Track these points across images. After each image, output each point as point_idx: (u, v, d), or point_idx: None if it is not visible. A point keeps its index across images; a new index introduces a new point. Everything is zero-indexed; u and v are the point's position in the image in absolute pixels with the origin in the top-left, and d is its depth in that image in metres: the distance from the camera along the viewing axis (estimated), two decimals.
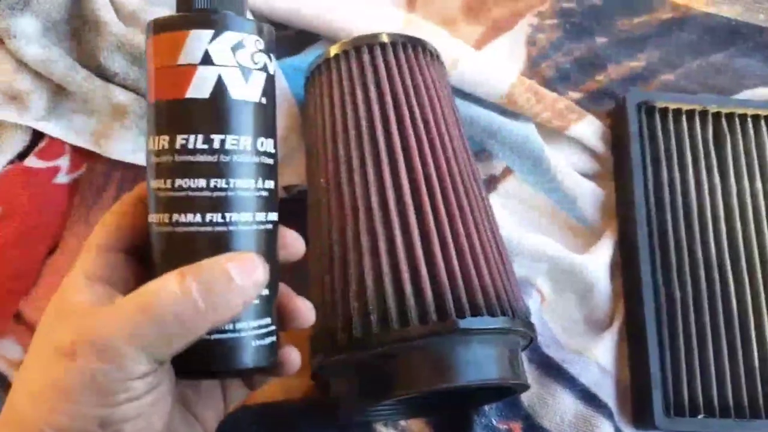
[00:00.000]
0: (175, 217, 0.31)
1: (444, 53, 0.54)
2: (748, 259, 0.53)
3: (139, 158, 0.52)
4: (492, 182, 0.57)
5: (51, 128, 0.52)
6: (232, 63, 0.31)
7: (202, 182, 0.31)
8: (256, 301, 0.32)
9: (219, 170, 0.31)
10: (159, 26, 0.31)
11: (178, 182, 0.31)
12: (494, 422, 0.49)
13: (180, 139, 0.30)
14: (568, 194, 0.56)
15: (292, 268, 0.51)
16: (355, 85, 0.46)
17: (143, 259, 0.33)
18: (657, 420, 0.48)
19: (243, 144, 0.31)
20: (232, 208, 0.31)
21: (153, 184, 0.31)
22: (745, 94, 0.61)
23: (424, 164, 0.43)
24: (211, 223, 0.31)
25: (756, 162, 0.56)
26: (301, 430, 0.48)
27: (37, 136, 0.53)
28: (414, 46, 0.48)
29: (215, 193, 0.31)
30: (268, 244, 0.33)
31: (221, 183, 0.31)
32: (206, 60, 0.30)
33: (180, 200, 0.31)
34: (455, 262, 0.40)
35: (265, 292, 0.33)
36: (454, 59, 0.56)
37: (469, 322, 0.38)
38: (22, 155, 0.53)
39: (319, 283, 0.43)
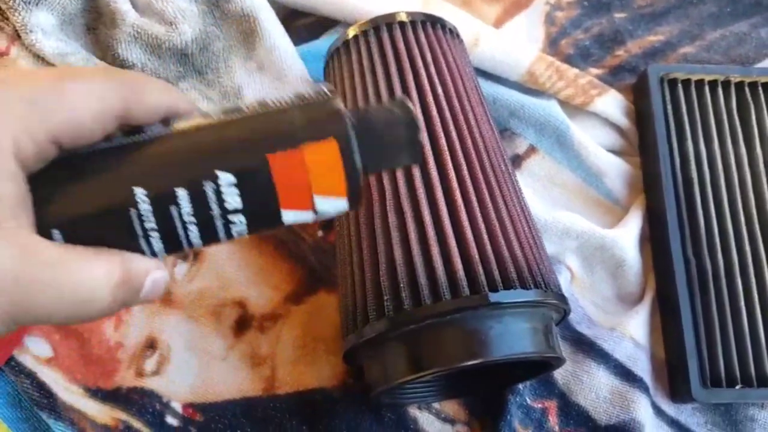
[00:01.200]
0: None
1: (463, 33, 0.54)
2: None
3: None
4: (516, 161, 0.56)
5: None
6: None
7: None
8: None
9: None
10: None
11: None
12: (529, 401, 0.48)
13: None
14: (593, 170, 0.56)
15: (318, 254, 0.51)
16: (375, 64, 0.45)
17: None
18: (694, 392, 0.47)
19: None
20: None
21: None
22: None
23: (448, 139, 0.42)
24: None
25: None
26: (336, 417, 0.47)
27: None
28: (433, 23, 0.48)
29: None
30: None
31: None
32: None
33: None
34: (485, 235, 0.40)
35: None
36: (474, 38, 0.55)
37: (501, 296, 0.37)
38: None
39: (347, 264, 0.43)
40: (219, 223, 0.27)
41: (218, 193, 0.26)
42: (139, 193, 0.25)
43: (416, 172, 0.41)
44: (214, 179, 0.26)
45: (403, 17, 0.47)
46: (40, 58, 0.51)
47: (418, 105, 0.43)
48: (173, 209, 0.26)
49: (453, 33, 0.49)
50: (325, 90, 0.28)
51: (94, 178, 0.25)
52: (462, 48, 0.50)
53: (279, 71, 0.52)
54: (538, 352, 0.39)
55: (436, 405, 0.48)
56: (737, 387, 0.48)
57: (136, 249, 0.26)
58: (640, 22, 0.62)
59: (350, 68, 0.47)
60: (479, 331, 0.38)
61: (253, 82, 0.53)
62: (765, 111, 0.55)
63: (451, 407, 0.48)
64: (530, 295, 0.38)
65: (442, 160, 0.41)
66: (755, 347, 0.49)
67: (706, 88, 0.56)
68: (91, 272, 0.25)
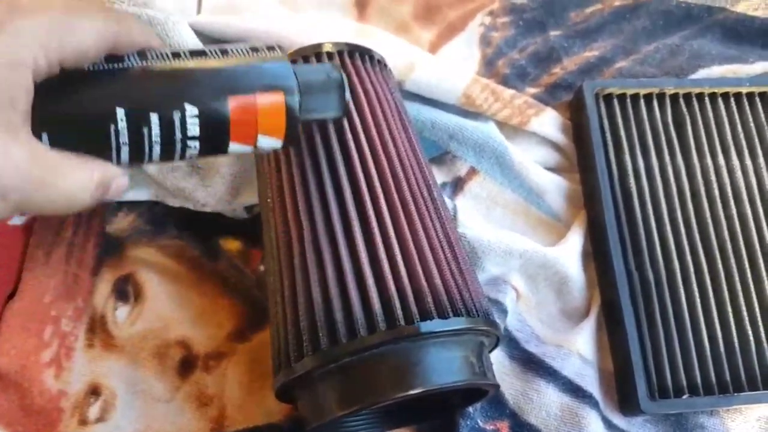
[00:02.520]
0: None
1: (398, 59, 0.54)
2: (717, 235, 0.53)
3: None
4: (458, 184, 0.56)
5: None
6: None
7: None
8: None
9: None
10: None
11: None
12: (480, 424, 0.48)
13: None
14: (534, 189, 0.56)
15: (262, 289, 0.51)
16: None
17: None
18: (642, 404, 0.47)
19: None
20: None
21: None
22: (701, 74, 0.61)
23: (365, 172, 0.42)
24: None
25: (717, 139, 0.56)
26: None
27: None
28: (360, 54, 0.48)
29: None
30: None
31: None
32: None
33: None
34: (402, 269, 0.39)
35: None
36: (409, 65, 0.55)
37: (420, 327, 0.37)
38: None
39: (273, 304, 0.43)
40: (178, 146, 0.33)
41: (183, 121, 0.32)
42: (120, 112, 0.31)
43: (333, 208, 0.41)
44: (182, 110, 0.32)
45: (329, 48, 0.47)
46: None
47: (334, 138, 0.43)
48: (144, 129, 0.31)
49: (375, 60, 0.49)
50: (275, 47, 0.35)
51: (84, 95, 0.31)
52: (386, 75, 0.50)
53: None
54: (464, 380, 0.39)
55: None
56: (684, 396, 0.48)
57: (108, 158, 0.32)
58: (575, 39, 0.63)
59: None
60: (402, 364, 0.37)
61: None
62: (700, 122, 0.56)
63: None
64: (450, 324, 0.38)
65: (359, 194, 0.41)
66: (700, 356, 0.49)
67: (642, 102, 0.57)
68: (80, 176, 0.30)
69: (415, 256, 0.40)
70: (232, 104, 0.33)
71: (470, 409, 0.48)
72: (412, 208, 0.42)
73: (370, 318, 0.38)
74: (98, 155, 0.31)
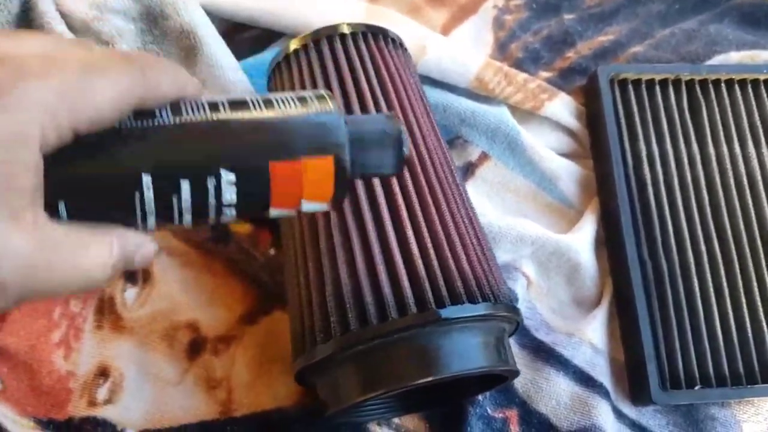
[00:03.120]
0: None
1: (410, 41, 0.53)
2: (732, 224, 0.52)
3: None
4: (470, 168, 0.56)
5: None
6: None
7: None
8: None
9: None
10: None
11: None
12: (489, 411, 0.48)
13: None
14: (546, 175, 0.55)
15: (271, 272, 0.50)
16: (316, 78, 0.45)
17: None
18: (654, 395, 0.47)
19: None
20: None
21: None
22: (718, 59, 0.60)
23: None
24: None
25: (732, 126, 0.55)
26: None
27: None
28: (375, 34, 0.47)
29: None
30: None
31: None
32: None
33: None
34: (431, 251, 0.39)
35: None
36: (421, 47, 0.55)
37: (449, 311, 0.37)
38: None
39: (294, 285, 0.42)
40: (212, 213, 0.29)
41: (218, 188, 0.28)
42: (146, 179, 0.27)
43: (360, 189, 0.40)
44: (218, 176, 0.28)
45: (344, 29, 0.46)
46: None
47: None
48: (174, 198, 0.28)
49: (396, 43, 0.49)
50: (325, 96, 0.30)
51: (105, 159, 0.27)
52: (406, 58, 0.50)
53: (222, 87, 0.51)
54: (490, 366, 0.38)
55: (395, 420, 0.48)
56: (696, 387, 0.48)
57: (131, 225, 0.28)
58: (589, 22, 0.62)
59: (291, 82, 0.46)
60: (429, 348, 0.37)
61: None
62: (716, 109, 0.56)
63: (411, 421, 0.48)
64: (479, 309, 0.38)
65: None
66: (713, 347, 0.49)
67: (657, 88, 0.56)
68: (97, 252, 0.27)
69: (444, 240, 0.39)
70: (275, 170, 0.29)
71: (480, 396, 0.48)
72: (439, 191, 0.41)
73: (400, 300, 0.37)
74: (122, 222, 0.28)
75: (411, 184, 0.41)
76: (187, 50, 0.51)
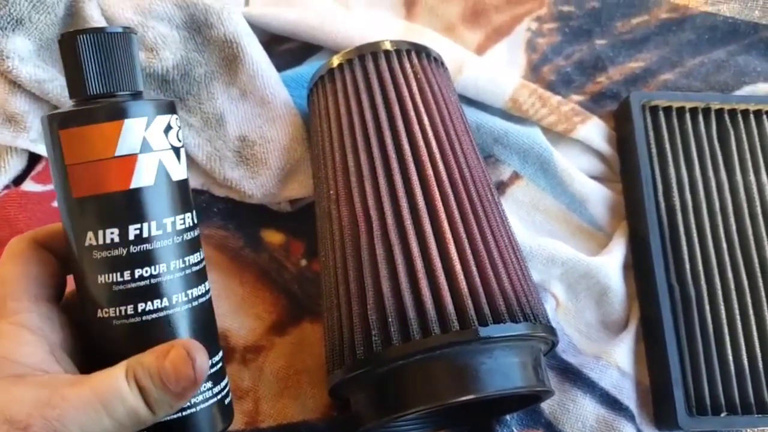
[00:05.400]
0: (141, 306, 0.31)
1: (448, 60, 0.53)
2: (759, 252, 0.52)
3: None
4: (500, 188, 0.56)
5: None
6: (166, 146, 0.31)
7: (163, 267, 0.31)
8: (218, 367, 0.33)
9: (177, 251, 0.31)
10: (73, 119, 0.30)
11: (139, 272, 0.30)
12: (515, 431, 0.48)
13: (133, 229, 0.30)
14: (576, 197, 0.56)
15: (301, 284, 0.50)
16: (360, 93, 0.45)
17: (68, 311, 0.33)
18: (680, 420, 0.47)
19: (188, 220, 0.32)
20: (191, 284, 0.32)
21: (103, 278, 0.31)
22: (746, 90, 0.61)
23: (435, 170, 0.42)
24: (178, 304, 0.31)
25: (761, 156, 0.56)
26: None
27: (33, 159, 0.52)
28: (418, 52, 0.48)
29: (176, 275, 0.31)
30: (213, 310, 0.35)
31: (180, 263, 0.31)
32: (146, 148, 0.30)
33: (144, 289, 0.31)
34: (474, 268, 0.39)
35: (219, 355, 0.34)
36: (458, 65, 0.55)
37: (492, 330, 0.37)
38: (18, 179, 0.52)
39: (333, 297, 0.42)
40: None
41: None
42: None
43: (403, 202, 0.41)
44: None
45: (388, 46, 0.47)
46: (16, 85, 0.50)
47: (404, 134, 0.43)
48: None
49: (438, 61, 0.49)
50: None
51: None
52: (447, 76, 0.50)
53: (262, 97, 0.52)
54: (529, 386, 0.39)
55: None
56: (722, 414, 0.48)
57: None
58: (620, 48, 0.62)
59: (335, 97, 0.47)
60: (470, 366, 0.37)
61: (235, 109, 0.52)
62: (744, 138, 0.56)
63: None
64: (520, 328, 0.38)
65: (429, 191, 0.41)
66: (739, 374, 0.49)
67: (687, 115, 0.57)
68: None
69: (485, 258, 0.40)
70: None
71: (507, 416, 0.48)
72: (480, 209, 0.41)
73: (443, 317, 0.37)
74: None
75: (453, 200, 0.41)
76: (230, 59, 0.52)
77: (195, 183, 0.52)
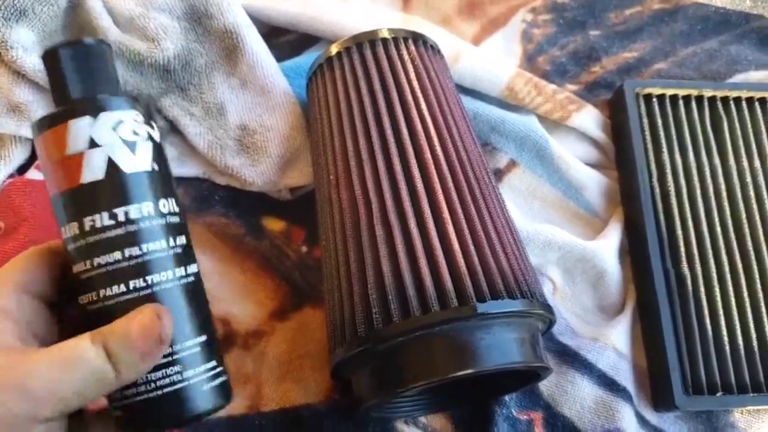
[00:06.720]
0: (102, 292, 0.33)
1: (445, 49, 0.54)
2: (752, 235, 0.53)
3: None
4: (498, 175, 0.57)
5: None
6: (116, 141, 0.33)
7: (117, 255, 0.32)
8: (197, 348, 0.34)
9: (130, 239, 0.33)
10: (43, 124, 0.33)
11: (96, 260, 0.32)
12: (515, 413, 0.49)
13: (88, 221, 0.32)
14: (573, 183, 0.56)
15: (302, 270, 0.51)
16: (359, 81, 0.46)
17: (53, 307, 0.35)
18: (677, 400, 0.48)
19: (146, 210, 0.33)
20: (150, 270, 0.33)
21: (75, 268, 0.33)
22: (738, 78, 0.62)
23: (433, 154, 0.43)
24: (136, 289, 0.33)
25: (753, 142, 0.57)
26: None
27: None
28: (415, 40, 0.49)
29: (132, 261, 0.33)
30: (194, 295, 0.35)
31: (135, 251, 0.33)
32: (92, 144, 0.32)
33: (102, 276, 0.33)
34: (471, 247, 0.40)
35: (203, 338, 0.34)
36: (454, 55, 0.56)
37: (489, 306, 0.38)
38: (22, 168, 0.52)
39: (334, 278, 0.43)
40: None
41: None
42: None
43: (402, 186, 0.41)
44: None
45: (386, 34, 0.48)
46: (20, 75, 0.51)
47: (402, 119, 0.44)
48: None
49: (435, 49, 0.50)
50: None
51: None
52: (444, 63, 0.51)
53: (262, 87, 0.52)
54: (527, 361, 0.39)
55: (422, 419, 0.48)
56: (718, 394, 0.49)
57: None
58: (614, 39, 0.63)
59: (334, 84, 0.47)
60: (469, 342, 0.38)
61: (236, 98, 0.53)
62: (737, 124, 0.57)
63: (437, 421, 0.48)
64: (518, 305, 0.39)
65: (427, 174, 0.42)
66: (734, 354, 0.50)
67: (681, 103, 0.57)
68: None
69: (483, 237, 0.40)
70: None
71: (506, 398, 0.48)
72: (477, 190, 0.42)
73: (442, 294, 0.38)
74: None
75: (451, 182, 0.42)
76: (230, 50, 0.52)
77: (197, 171, 0.53)
